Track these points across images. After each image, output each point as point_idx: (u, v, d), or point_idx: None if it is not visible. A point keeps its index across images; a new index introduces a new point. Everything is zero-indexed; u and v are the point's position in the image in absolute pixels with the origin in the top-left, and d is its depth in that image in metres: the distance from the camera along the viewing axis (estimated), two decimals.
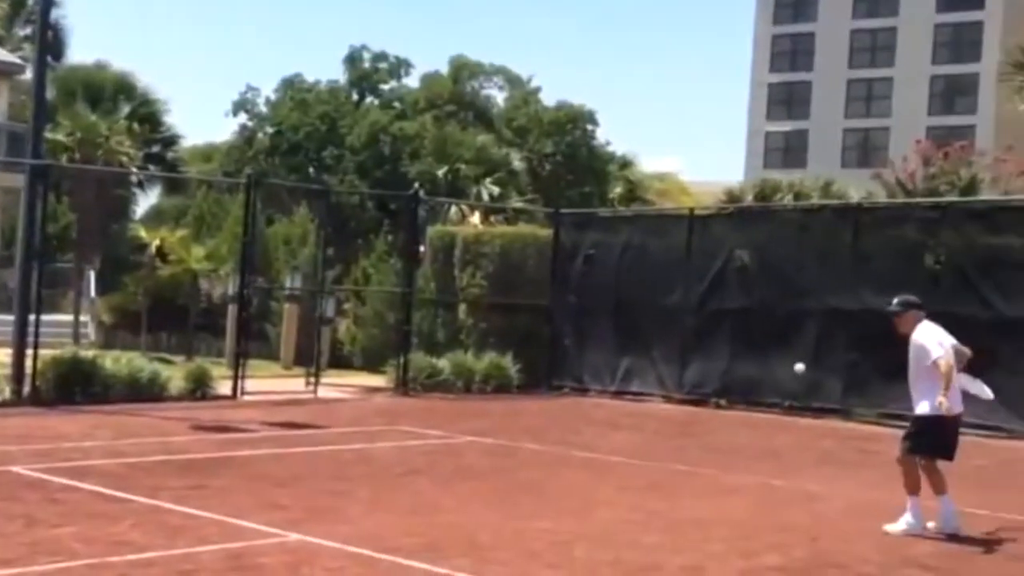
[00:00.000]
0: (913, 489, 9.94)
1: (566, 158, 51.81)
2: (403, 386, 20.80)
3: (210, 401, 18.07)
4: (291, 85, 54.01)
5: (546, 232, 23.93)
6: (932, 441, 9.93)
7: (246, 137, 53.95)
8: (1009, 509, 11.27)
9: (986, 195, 22.74)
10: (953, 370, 9.72)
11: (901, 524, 9.83)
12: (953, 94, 67.91)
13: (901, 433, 13.41)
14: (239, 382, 18.74)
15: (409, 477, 11.88)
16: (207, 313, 27.71)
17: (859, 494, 11.92)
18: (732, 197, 29.38)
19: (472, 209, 30.73)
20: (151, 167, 37.22)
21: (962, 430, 17.09)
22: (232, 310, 23.58)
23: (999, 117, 50.41)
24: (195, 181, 38.59)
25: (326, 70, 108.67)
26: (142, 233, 29.03)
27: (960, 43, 67.86)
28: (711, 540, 9.23)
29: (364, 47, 56.17)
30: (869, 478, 13.06)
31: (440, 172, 38.39)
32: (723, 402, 20.36)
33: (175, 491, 10.27)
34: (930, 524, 9.82)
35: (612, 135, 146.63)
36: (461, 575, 7.73)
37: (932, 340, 9.86)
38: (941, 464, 10.01)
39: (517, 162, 40.23)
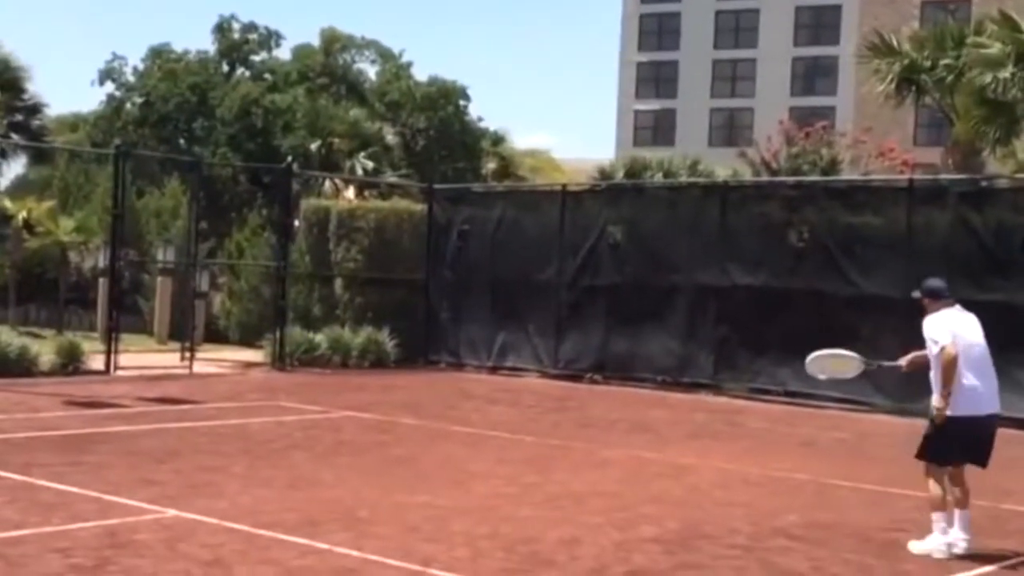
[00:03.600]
0: (936, 504, 8.62)
1: (439, 133, 51.90)
2: (279, 361, 20.70)
3: (82, 376, 17.79)
4: (159, 55, 53.02)
5: (420, 207, 23.96)
6: (936, 444, 8.61)
7: (114, 107, 52.81)
8: (869, 480, 11.69)
9: (846, 174, 23.43)
10: (956, 365, 8.40)
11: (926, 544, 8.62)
12: (814, 75, 69.62)
13: (771, 407, 13.83)
14: (112, 357, 18.48)
15: (287, 452, 11.89)
16: (78, 286, 27.19)
17: (729, 466, 12.24)
18: (603, 174, 29.73)
19: (346, 183, 30.62)
20: (14, 136, 36.18)
21: (825, 404, 17.90)
22: (103, 284, 23.15)
23: (858, 98, 51.84)
24: (62, 151, 37.64)
25: (195, 40, 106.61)
26: (7, 204, 28.26)
27: (820, 26, 69.57)
28: (587, 513, 9.41)
29: (233, 17, 55.46)
30: (738, 450, 13.46)
31: (313, 146, 38.09)
32: (598, 377, 20.66)
33: (48, 467, 10.14)
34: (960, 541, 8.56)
35: (485, 111, 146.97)
36: (341, 549, 7.78)
37: (932, 330, 8.60)
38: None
39: (390, 137, 40.15)
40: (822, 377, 9.98)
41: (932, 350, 8.55)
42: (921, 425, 9.00)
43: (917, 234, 17.67)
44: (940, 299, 8.79)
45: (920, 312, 8.91)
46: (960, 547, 8.47)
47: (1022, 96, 17.38)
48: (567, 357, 21.28)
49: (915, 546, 8.60)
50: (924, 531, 9.37)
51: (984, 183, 19.51)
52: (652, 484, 10.97)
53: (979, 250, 16.93)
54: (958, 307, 8.81)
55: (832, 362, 9.73)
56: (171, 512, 8.64)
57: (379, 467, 11.27)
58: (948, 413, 8.42)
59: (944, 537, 8.50)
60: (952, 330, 8.53)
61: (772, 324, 18.77)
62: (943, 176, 20.11)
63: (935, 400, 8.52)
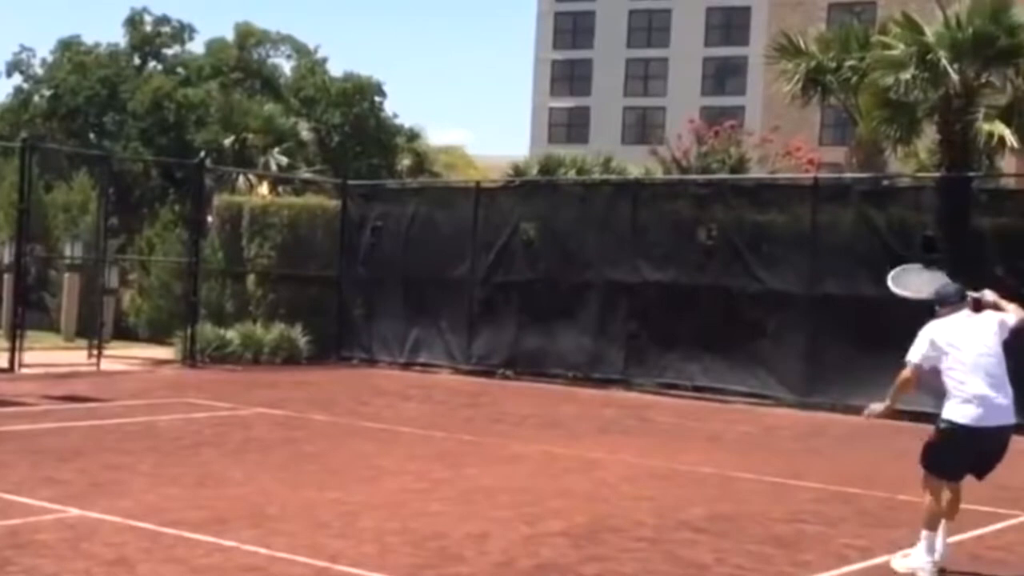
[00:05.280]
0: (926, 519, 8.02)
1: (354, 129, 51.73)
2: (190, 358, 20.53)
3: None
4: (68, 47, 52.20)
5: (334, 203, 23.88)
6: (937, 452, 8.00)
7: (21, 100, 51.88)
8: (772, 473, 11.91)
9: (754, 173, 23.80)
10: (909, 385, 8.11)
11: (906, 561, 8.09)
12: (724, 75, 70.60)
13: (680, 402, 13.91)
14: (16, 354, 18.17)
15: (195, 450, 11.83)
16: None
17: (637, 460, 12.40)
18: (518, 171, 29.83)
19: (260, 179, 30.36)
20: None
21: (732, 399, 18.20)
22: (8, 279, 22.75)
23: (766, 98, 52.60)
24: None
25: (106, 32, 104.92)
26: None
27: (730, 27, 70.55)
28: (496, 507, 9.49)
29: (145, 10, 54.75)
30: (646, 444, 13.63)
31: (227, 141, 37.70)
32: (510, 373, 20.76)
33: None
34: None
35: (400, 108, 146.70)
36: (247, 547, 7.77)
37: (917, 339, 8.15)
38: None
39: (305, 132, 39.80)
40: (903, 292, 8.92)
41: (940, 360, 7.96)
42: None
43: (821, 232, 17.99)
44: (947, 305, 8.19)
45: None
46: (936, 554, 7.99)
47: (923, 97, 17.77)
48: (479, 353, 21.36)
49: (898, 563, 8.07)
50: (825, 522, 9.63)
51: (886, 182, 19.96)
52: (561, 479, 11.09)
53: (881, 247, 17.28)
54: (966, 312, 8.16)
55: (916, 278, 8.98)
56: (74, 511, 8.56)
57: (289, 464, 11.26)
58: (951, 419, 7.83)
59: (929, 556, 7.89)
60: (948, 340, 7.94)
61: (681, 320, 19.02)
62: (847, 175, 20.54)
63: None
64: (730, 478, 11.55)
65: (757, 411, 17.41)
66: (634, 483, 11.02)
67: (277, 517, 8.76)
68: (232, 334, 21.15)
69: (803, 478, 11.66)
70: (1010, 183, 20.94)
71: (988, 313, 8.19)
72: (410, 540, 8.22)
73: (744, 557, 8.24)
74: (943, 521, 7.99)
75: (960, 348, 7.90)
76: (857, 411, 16.79)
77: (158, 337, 23.20)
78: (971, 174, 17.87)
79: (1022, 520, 9.84)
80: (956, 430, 7.80)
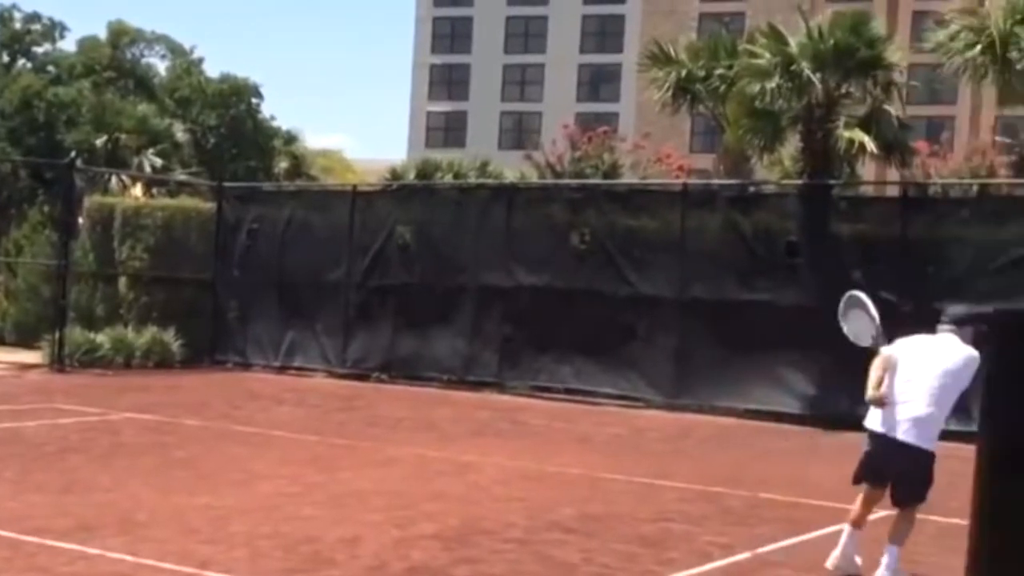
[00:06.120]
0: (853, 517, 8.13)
1: (230, 131, 51.20)
2: (58, 362, 20.15)
3: None
4: None
5: (209, 206, 23.63)
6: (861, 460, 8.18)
7: None
8: (640, 473, 12.14)
9: (626, 178, 24.17)
10: (876, 373, 7.98)
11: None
12: (599, 82, 71.55)
13: (552, 404, 13.98)
14: None
15: (62, 456, 11.64)
16: None
17: (509, 463, 12.53)
18: (395, 175, 29.84)
19: (133, 180, 29.89)
20: None
21: (602, 401, 18.51)
22: None
23: (639, 105, 53.46)
24: None
25: None
26: None
27: (605, 34, 71.57)
28: (369, 511, 9.52)
29: (15, 6, 53.52)
30: (519, 447, 13.78)
31: (99, 141, 37.06)
32: (385, 376, 20.77)
33: None
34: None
35: (278, 111, 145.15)
36: (113, 554, 7.70)
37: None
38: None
39: (180, 134, 39.34)
40: (847, 322, 8.55)
41: None
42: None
43: (690, 237, 18.36)
44: (942, 323, 8.04)
45: None
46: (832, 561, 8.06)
47: (787, 106, 18.30)
48: (355, 357, 21.34)
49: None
50: (690, 521, 9.88)
51: (752, 189, 20.46)
52: (434, 482, 11.17)
53: (746, 253, 17.75)
54: (940, 335, 7.98)
55: (862, 316, 8.43)
56: None
57: (159, 469, 11.16)
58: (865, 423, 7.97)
59: (836, 551, 8.04)
60: (904, 352, 7.93)
61: (554, 323, 19.25)
62: (715, 182, 21.00)
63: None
64: (600, 479, 11.76)
65: (627, 413, 17.68)
66: (506, 485, 11.15)
67: (145, 523, 8.69)
68: (102, 338, 20.81)
69: (670, 478, 11.92)
70: (869, 190, 21.64)
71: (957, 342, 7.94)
72: (281, 544, 8.23)
73: (611, 556, 8.42)
74: (848, 526, 8.07)
75: (903, 363, 7.90)
76: (723, 412, 17.34)
77: (25, 341, 22.71)
78: (831, 181, 18.44)
79: (881, 516, 10.16)
80: (869, 433, 8.06)
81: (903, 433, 7.78)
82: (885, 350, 8.00)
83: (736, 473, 12.52)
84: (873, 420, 8.00)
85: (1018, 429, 5.37)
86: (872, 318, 8.25)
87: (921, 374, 7.83)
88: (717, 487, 11.47)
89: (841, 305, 8.53)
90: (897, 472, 7.92)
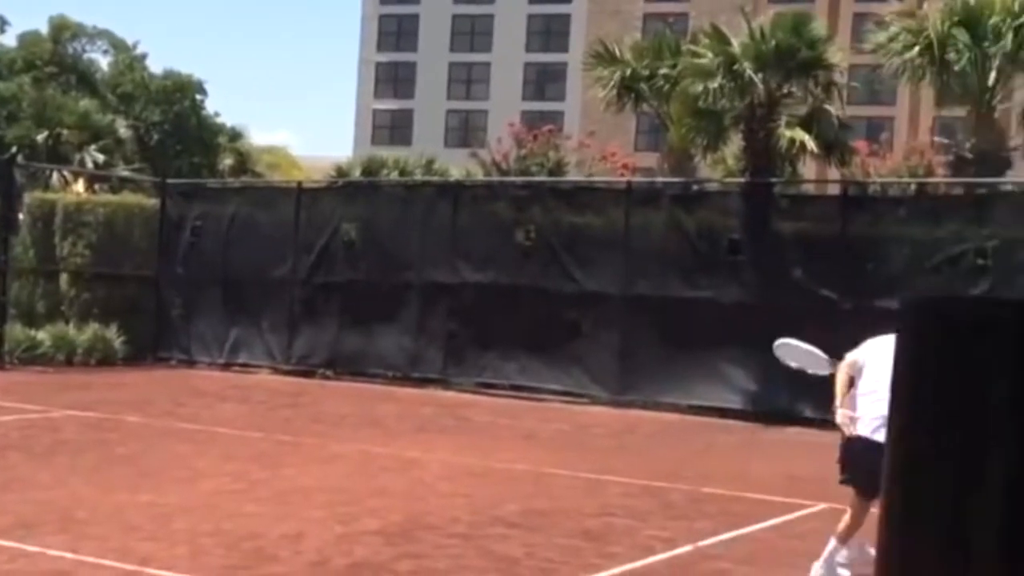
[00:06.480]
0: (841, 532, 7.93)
1: (174, 127, 50.84)
2: None
3: None
4: None
5: (153, 202, 23.46)
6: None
7: None
8: (584, 469, 12.22)
9: (572, 176, 24.30)
10: (842, 376, 8.00)
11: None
12: (544, 81, 71.78)
13: (497, 401, 13.93)
14: None
15: (1, 453, 11.53)
16: None
17: (453, 458, 12.56)
18: (341, 172, 29.84)
19: (75, 176, 29.60)
20: None
21: (547, 397, 18.60)
22: None
23: (584, 104, 53.66)
24: None
25: None
26: None
27: (550, 33, 71.81)
28: (312, 507, 9.52)
29: None
30: (463, 443, 13.82)
31: (40, 137, 36.67)
32: (330, 373, 20.73)
33: None
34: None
35: (222, 107, 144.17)
36: (54, 552, 7.66)
37: None
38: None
39: (123, 130, 38.99)
40: (792, 364, 8.82)
41: None
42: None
43: (634, 234, 18.48)
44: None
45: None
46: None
47: (730, 105, 18.47)
48: (300, 353, 21.28)
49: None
50: (633, 515, 9.97)
51: (695, 187, 20.64)
52: (378, 478, 11.18)
53: (690, 250, 17.90)
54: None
55: (804, 354, 8.70)
56: None
57: (100, 466, 11.10)
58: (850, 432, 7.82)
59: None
60: (870, 354, 7.79)
61: (499, 320, 19.31)
62: (659, 180, 21.16)
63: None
64: (544, 475, 11.82)
65: (572, 409, 17.77)
66: (450, 481, 11.18)
67: (86, 521, 8.64)
68: (43, 335, 20.61)
69: (614, 474, 12.01)
70: (810, 189, 21.89)
71: None
72: (224, 541, 8.22)
73: (554, 551, 8.49)
74: (834, 540, 7.93)
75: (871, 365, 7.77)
76: (667, 408, 17.47)
77: None
78: (773, 180, 18.64)
79: (819, 509, 10.33)
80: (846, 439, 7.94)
81: (874, 432, 7.62)
82: (850, 355, 8.01)
83: (679, 468, 12.64)
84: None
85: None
86: (807, 351, 8.44)
87: (888, 372, 7.72)
88: (660, 482, 11.56)
89: (778, 355, 8.79)
90: (870, 469, 7.84)
